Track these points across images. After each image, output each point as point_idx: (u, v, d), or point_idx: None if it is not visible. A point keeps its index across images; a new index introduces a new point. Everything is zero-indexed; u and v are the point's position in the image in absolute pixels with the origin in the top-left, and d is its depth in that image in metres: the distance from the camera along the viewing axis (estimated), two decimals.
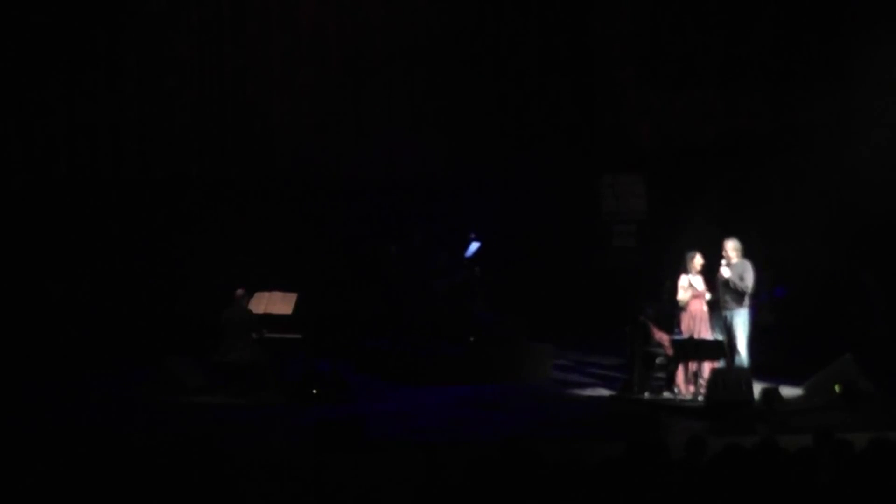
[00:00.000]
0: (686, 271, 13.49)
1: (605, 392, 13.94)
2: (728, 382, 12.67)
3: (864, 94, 16.32)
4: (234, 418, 12.53)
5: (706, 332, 13.41)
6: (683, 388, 13.31)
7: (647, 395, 13.36)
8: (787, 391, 13.21)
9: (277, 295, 14.47)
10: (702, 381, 13.13)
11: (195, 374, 13.95)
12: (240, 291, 13.98)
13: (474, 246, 15.83)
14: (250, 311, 13.98)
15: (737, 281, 13.41)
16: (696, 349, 13.25)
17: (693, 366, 13.29)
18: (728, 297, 13.47)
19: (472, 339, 15.07)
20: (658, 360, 13.49)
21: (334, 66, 17.83)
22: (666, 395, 13.39)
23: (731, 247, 13.54)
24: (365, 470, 10.01)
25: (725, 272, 13.43)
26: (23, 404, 13.23)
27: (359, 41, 17.90)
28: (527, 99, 18.16)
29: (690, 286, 13.43)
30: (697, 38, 17.58)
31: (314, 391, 13.29)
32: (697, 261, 13.51)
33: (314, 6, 17.76)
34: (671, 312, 13.54)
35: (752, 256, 13.70)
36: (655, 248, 16.40)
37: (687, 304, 13.44)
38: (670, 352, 13.36)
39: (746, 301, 13.47)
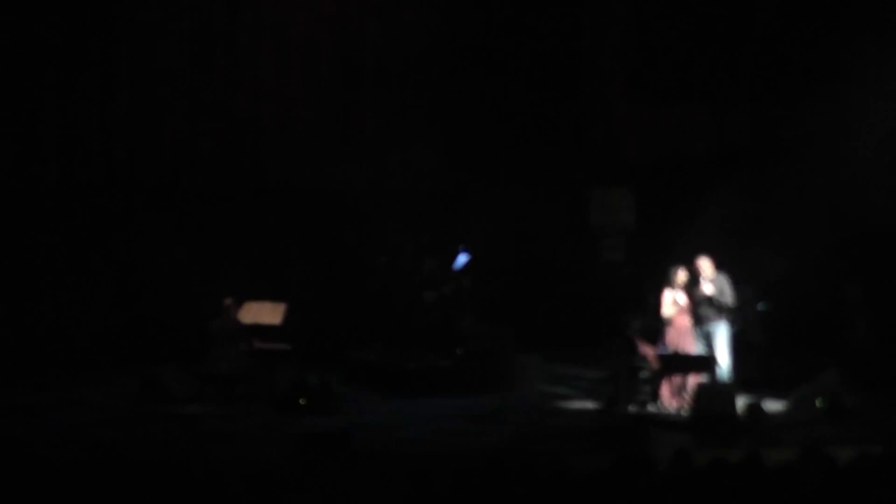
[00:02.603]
0: (670, 286, 13.56)
1: (591, 405, 13.98)
2: (713, 396, 12.73)
3: (852, 109, 16.40)
4: (221, 429, 12.54)
5: (691, 347, 13.48)
6: (668, 401, 13.37)
7: (632, 408, 13.41)
8: (772, 405, 13.27)
9: (266, 305, 14.49)
10: (685, 395, 13.19)
11: (183, 384, 13.94)
12: (228, 301, 13.98)
13: (463, 258, 15.86)
14: (239, 322, 13.99)
15: (718, 297, 13.49)
16: (682, 363, 13.32)
17: (678, 379, 13.36)
18: (708, 312, 13.54)
19: (459, 351, 15.10)
20: (642, 375, 13.55)
21: (325, 77, 17.86)
22: (650, 408, 13.45)
23: (704, 264, 13.60)
24: (352, 482, 10.02)
25: (707, 288, 13.50)
26: (10, 414, 13.22)
27: (350, 53, 17.94)
28: (516, 112, 18.21)
29: (675, 301, 13.50)
30: (686, 52, 17.65)
31: (302, 402, 13.30)
32: (681, 276, 13.57)
33: (306, 17, 17.79)
34: (657, 327, 13.61)
35: (741, 271, 13.77)
36: (643, 262, 16.45)
37: (672, 319, 13.51)
38: (655, 366, 13.43)
39: (726, 314, 13.56)
